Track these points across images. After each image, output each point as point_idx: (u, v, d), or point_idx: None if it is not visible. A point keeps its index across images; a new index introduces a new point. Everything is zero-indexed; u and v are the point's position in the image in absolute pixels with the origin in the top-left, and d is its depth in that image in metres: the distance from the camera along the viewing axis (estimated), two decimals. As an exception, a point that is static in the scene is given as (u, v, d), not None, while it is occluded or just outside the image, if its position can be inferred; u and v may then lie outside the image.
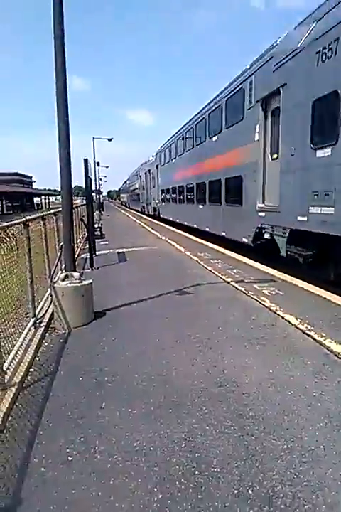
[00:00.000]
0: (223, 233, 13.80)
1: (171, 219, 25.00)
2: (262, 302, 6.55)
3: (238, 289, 7.54)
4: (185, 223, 20.57)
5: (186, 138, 19.78)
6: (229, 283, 8.08)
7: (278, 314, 5.93)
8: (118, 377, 4.18)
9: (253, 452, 2.90)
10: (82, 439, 3.18)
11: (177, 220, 22.61)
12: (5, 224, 4.68)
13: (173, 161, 23.41)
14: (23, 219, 5.71)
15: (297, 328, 5.36)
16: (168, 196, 25.98)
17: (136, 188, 49.27)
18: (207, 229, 15.93)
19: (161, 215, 29.03)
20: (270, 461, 2.80)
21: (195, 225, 18.38)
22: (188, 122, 19.49)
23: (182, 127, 20.86)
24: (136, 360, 4.58)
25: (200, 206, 17.15)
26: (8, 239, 4.84)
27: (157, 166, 29.71)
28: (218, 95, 14.37)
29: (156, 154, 30.25)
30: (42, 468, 2.86)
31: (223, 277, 8.59)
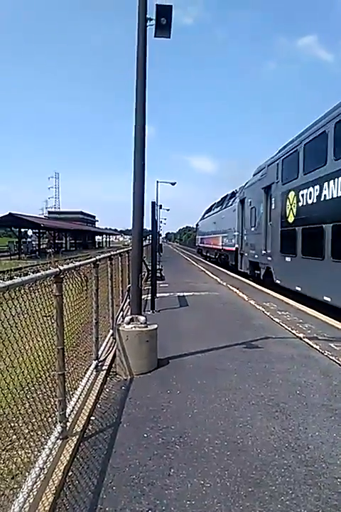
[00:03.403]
0: None
1: None
2: (343, 365, 5.87)
3: (312, 347, 6.87)
4: None
5: None
6: (301, 339, 7.43)
7: (364, 381, 5.23)
8: (187, 439, 3.77)
9: None
10: (149, 512, 2.80)
11: None
12: (78, 263, 4.60)
13: None
14: (94, 259, 5.67)
15: None
16: None
17: None
18: None
19: None
20: None
21: None
22: None
23: None
24: (205, 421, 4.15)
25: None
26: (79, 278, 4.76)
27: None
28: None
29: None
30: None
31: (294, 332, 7.95)
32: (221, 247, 28.02)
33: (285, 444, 3.67)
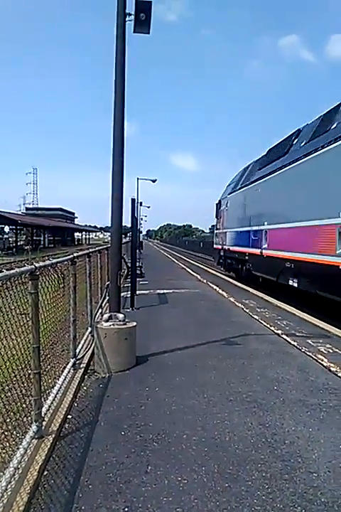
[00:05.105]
0: None
1: None
2: (319, 361, 5.96)
3: (290, 343, 6.97)
4: None
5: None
6: (279, 335, 7.53)
7: (340, 377, 5.33)
8: (165, 437, 3.76)
9: None
10: (126, 510, 2.77)
11: None
12: (55, 260, 4.53)
13: None
14: (71, 256, 5.58)
15: (365, 395, 4.75)
16: None
17: None
18: None
19: None
20: None
21: None
22: None
23: None
24: (183, 418, 4.14)
25: None
26: (56, 275, 4.68)
27: None
28: None
29: None
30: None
31: (272, 328, 8.04)
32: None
33: (262, 440, 3.70)
